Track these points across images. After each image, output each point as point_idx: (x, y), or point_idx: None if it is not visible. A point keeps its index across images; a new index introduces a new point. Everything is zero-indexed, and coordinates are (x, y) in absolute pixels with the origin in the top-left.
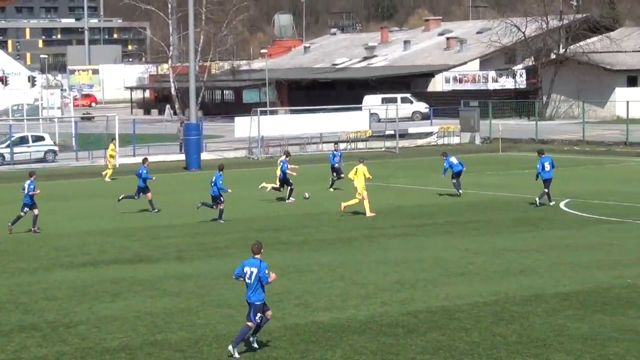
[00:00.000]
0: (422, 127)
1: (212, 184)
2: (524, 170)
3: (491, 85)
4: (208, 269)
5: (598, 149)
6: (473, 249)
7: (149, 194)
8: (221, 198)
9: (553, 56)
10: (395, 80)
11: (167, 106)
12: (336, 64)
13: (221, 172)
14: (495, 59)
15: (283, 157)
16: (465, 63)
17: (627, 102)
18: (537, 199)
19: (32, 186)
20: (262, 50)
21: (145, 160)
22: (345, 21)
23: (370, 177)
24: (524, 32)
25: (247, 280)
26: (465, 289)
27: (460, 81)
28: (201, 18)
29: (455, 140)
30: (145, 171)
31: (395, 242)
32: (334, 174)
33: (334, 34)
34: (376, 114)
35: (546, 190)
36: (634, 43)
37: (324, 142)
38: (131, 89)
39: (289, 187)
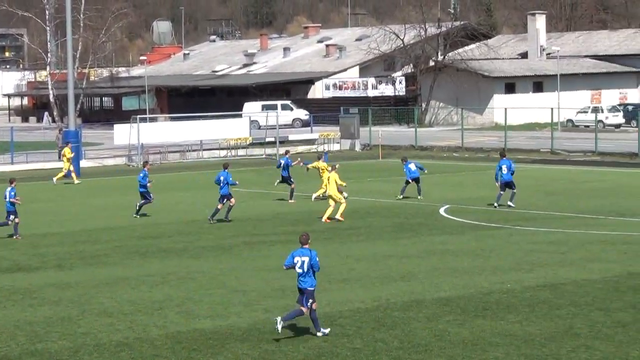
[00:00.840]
0: (302, 134)
1: (222, 184)
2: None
3: (371, 92)
4: (88, 277)
5: (477, 156)
6: (354, 255)
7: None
8: (231, 194)
9: (432, 63)
10: (275, 87)
11: (46, 113)
12: (216, 71)
13: (227, 170)
14: (374, 66)
15: (284, 156)
16: (344, 70)
17: (505, 108)
18: (495, 202)
19: (12, 193)
20: (142, 57)
21: (145, 163)
22: (225, 28)
23: (342, 183)
24: (402, 40)
25: (297, 270)
26: (347, 295)
27: (340, 88)
28: (79, 25)
29: (336, 147)
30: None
31: (276, 249)
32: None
33: (214, 40)
34: (256, 121)
35: (501, 192)
36: (511, 50)
37: (204, 150)
38: (9, 96)
39: (290, 187)
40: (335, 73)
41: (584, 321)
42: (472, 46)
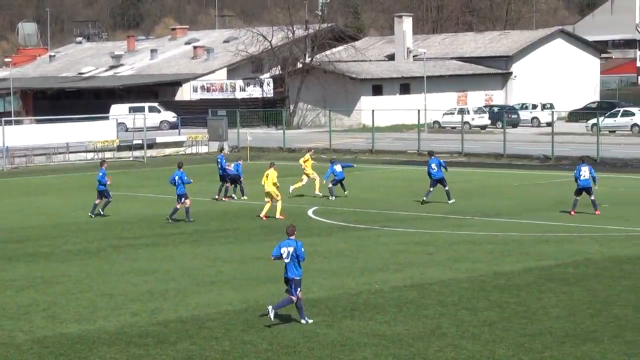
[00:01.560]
0: (170, 136)
1: (177, 183)
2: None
3: (239, 94)
4: None
5: (345, 157)
6: (222, 258)
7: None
8: (186, 195)
9: (299, 65)
10: (142, 89)
11: None
12: (82, 73)
13: (182, 169)
14: (242, 68)
15: (220, 154)
16: (212, 72)
17: (373, 110)
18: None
19: None
20: (7, 59)
21: (103, 162)
22: (91, 30)
23: (277, 183)
24: (270, 42)
25: (285, 260)
26: (215, 298)
27: (208, 90)
28: None
29: (204, 149)
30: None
31: (144, 252)
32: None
33: (80, 42)
34: (124, 123)
35: (431, 189)
36: (379, 52)
37: (70, 152)
38: None
39: (232, 186)
40: (203, 75)
41: (451, 320)
42: (340, 48)
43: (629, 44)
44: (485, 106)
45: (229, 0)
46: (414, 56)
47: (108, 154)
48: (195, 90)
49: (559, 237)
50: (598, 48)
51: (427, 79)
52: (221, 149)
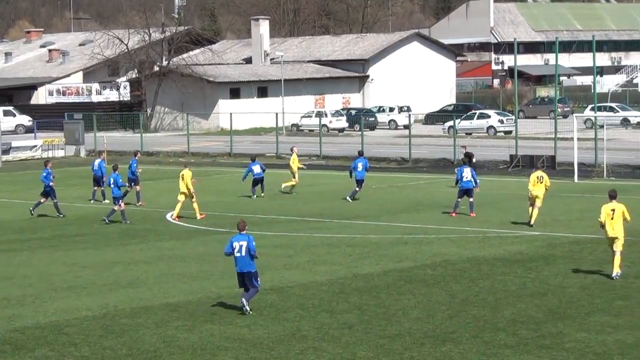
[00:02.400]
0: (25, 140)
1: (112, 185)
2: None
3: (95, 98)
4: None
5: (203, 160)
6: (80, 263)
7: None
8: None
9: (156, 68)
10: None
11: None
12: None
13: (117, 172)
14: (99, 71)
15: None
16: (68, 75)
17: (231, 113)
18: (347, 196)
19: None
20: None
21: (47, 162)
22: None
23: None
24: (127, 45)
25: (236, 254)
26: (74, 303)
27: (64, 94)
28: None
29: (60, 153)
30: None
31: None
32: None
33: None
34: None
35: (357, 189)
36: (236, 55)
37: None
38: None
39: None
40: (58, 78)
41: (311, 323)
42: (197, 51)
43: (484, 47)
44: (343, 109)
45: (84, 3)
46: (271, 59)
47: None
48: (50, 94)
49: (417, 239)
50: (454, 51)
51: (284, 82)
52: (135, 153)
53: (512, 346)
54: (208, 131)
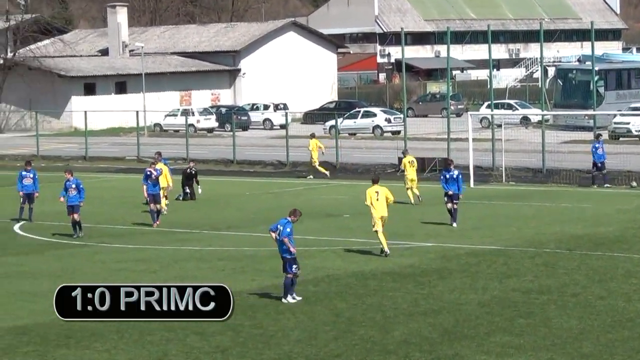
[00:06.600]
0: None
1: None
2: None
3: None
4: None
5: (55, 164)
6: None
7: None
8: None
9: (0, 61)
10: None
11: None
12: None
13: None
14: None
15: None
16: None
17: (85, 112)
18: None
19: None
20: None
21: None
22: None
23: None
24: None
25: (278, 238)
26: None
27: None
28: None
29: None
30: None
31: None
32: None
33: None
34: None
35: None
36: (90, 47)
37: None
38: None
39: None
40: None
41: (179, 347)
42: (46, 42)
43: (368, 37)
44: (212, 107)
45: None
46: (130, 51)
47: None
48: None
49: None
50: (335, 42)
51: (145, 76)
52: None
53: None
54: (60, 131)
